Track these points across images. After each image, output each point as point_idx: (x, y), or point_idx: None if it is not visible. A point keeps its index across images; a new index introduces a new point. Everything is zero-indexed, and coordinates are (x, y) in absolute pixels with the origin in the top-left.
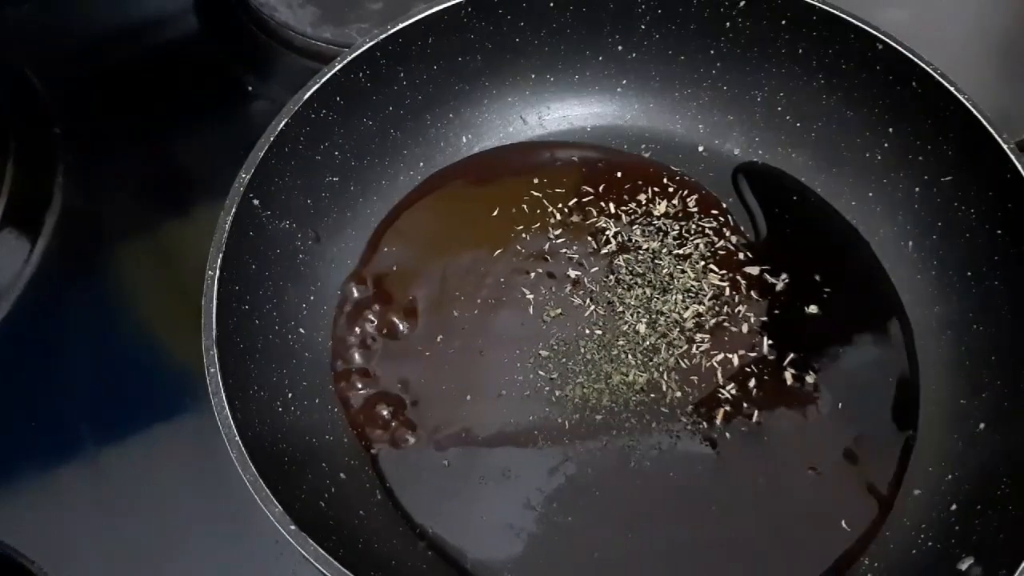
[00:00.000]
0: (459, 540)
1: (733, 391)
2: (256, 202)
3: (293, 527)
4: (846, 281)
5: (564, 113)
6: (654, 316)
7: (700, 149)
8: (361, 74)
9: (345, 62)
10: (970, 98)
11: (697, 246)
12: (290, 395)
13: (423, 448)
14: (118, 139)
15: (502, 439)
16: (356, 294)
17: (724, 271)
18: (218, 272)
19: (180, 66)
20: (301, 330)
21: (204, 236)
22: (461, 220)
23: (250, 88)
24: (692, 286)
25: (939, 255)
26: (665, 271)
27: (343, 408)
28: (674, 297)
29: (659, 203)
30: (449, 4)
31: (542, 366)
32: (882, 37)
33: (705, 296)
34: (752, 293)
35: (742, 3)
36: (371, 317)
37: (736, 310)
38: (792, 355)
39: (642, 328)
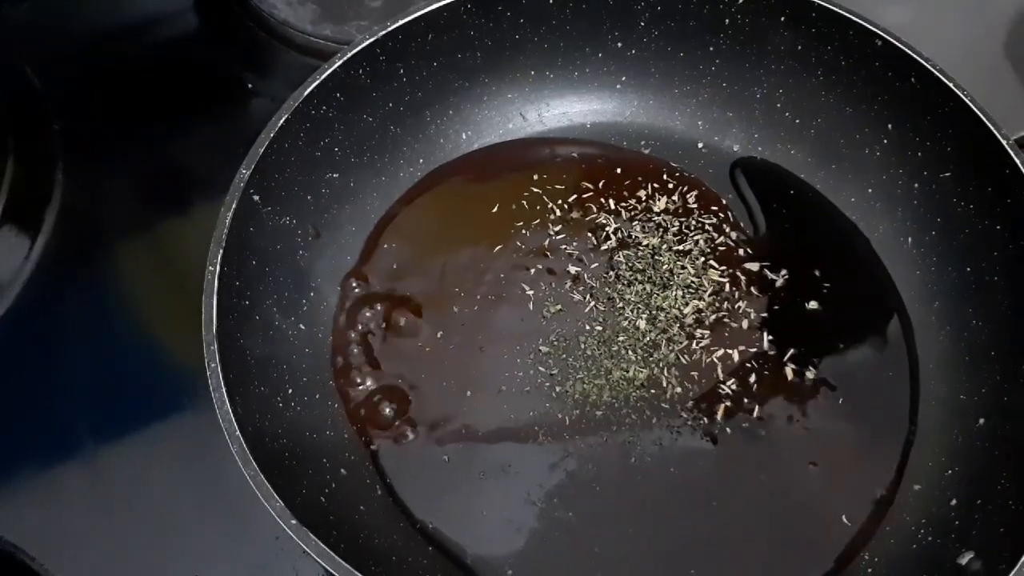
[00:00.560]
0: (459, 535)
1: (733, 387)
2: (256, 198)
3: (294, 522)
4: (846, 277)
5: (564, 110)
6: (654, 312)
7: (700, 145)
8: (361, 71)
9: (345, 58)
10: (969, 94)
11: (697, 242)
12: (290, 391)
13: (423, 444)
14: (118, 137)
15: (502, 435)
16: (356, 290)
17: (724, 267)
18: (218, 267)
19: (180, 64)
20: (301, 326)
21: (203, 234)
22: (461, 216)
23: (250, 86)
24: (692, 282)
25: (938, 251)
26: (665, 267)
27: (343, 404)
28: (674, 293)
29: (659, 199)
30: (449, 1)
31: (542, 362)
32: (881, 33)
33: (705, 292)
34: (752, 289)
35: (741, 0)
36: (371, 313)
37: (736, 306)
38: (792, 351)
39: (642, 324)
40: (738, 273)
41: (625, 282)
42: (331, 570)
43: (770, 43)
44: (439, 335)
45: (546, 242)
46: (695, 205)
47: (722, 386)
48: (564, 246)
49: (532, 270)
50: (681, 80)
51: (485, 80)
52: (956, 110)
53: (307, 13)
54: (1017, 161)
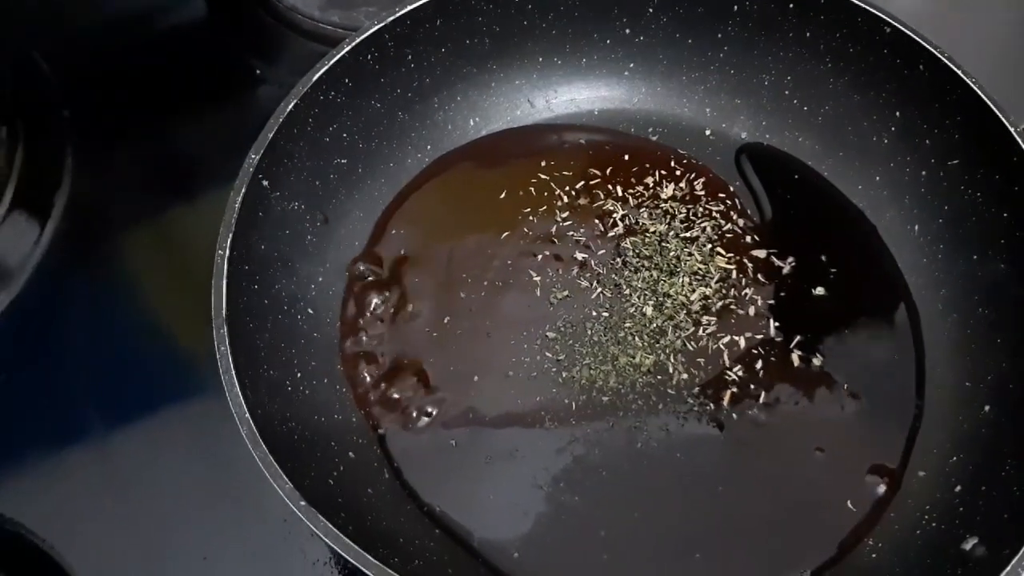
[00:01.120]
0: (466, 519)
1: (740, 373)
2: (265, 183)
3: (303, 503)
4: (852, 264)
5: (571, 96)
6: (661, 299)
7: (707, 132)
8: (369, 56)
9: (354, 44)
10: (977, 81)
11: (704, 229)
12: (299, 374)
13: (430, 428)
14: (126, 123)
15: (509, 419)
16: (364, 276)
17: (731, 254)
18: (228, 251)
19: (188, 50)
20: (310, 310)
21: (212, 219)
22: (468, 203)
23: (258, 72)
24: (699, 269)
25: (946, 238)
26: (672, 254)
27: (351, 388)
28: (681, 280)
29: (666, 186)
30: None
31: (549, 348)
32: (890, 20)
33: (712, 279)
34: (759, 276)
35: None
36: (379, 298)
37: (743, 293)
38: (799, 337)
39: (649, 310)
40: (745, 260)
41: (632, 269)
42: (339, 551)
43: (778, 30)
44: (446, 321)
45: (553, 228)
46: (702, 192)
47: (728, 372)
48: (571, 232)
49: (539, 256)
50: (689, 67)
51: (493, 66)
52: (964, 98)
53: None
54: None
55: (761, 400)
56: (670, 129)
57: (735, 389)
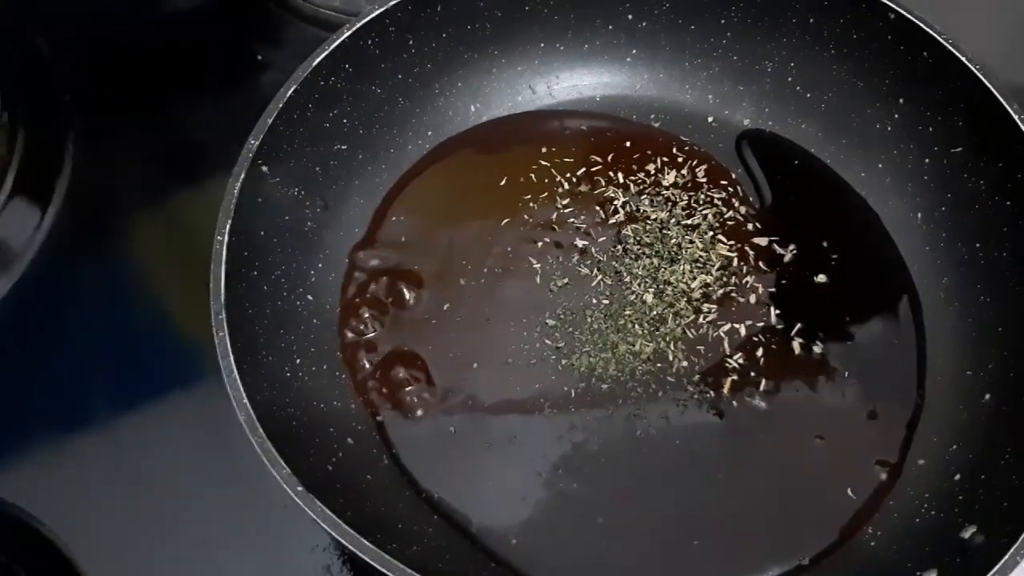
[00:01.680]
0: (465, 505)
1: (740, 361)
2: (265, 168)
3: (300, 488)
4: (855, 252)
5: (573, 82)
6: (661, 286)
7: (710, 119)
8: (370, 41)
9: (354, 29)
10: (982, 68)
11: (706, 216)
12: (298, 361)
13: (429, 414)
14: (128, 107)
15: (508, 406)
16: (364, 262)
17: (732, 242)
18: (227, 238)
19: (189, 34)
20: (309, 297)
21: (213, 205)
22: (469, 189)
23: (259, 57)
24: (700, 256)
25: (948, 226)
26: (673, 241)
27: (350, 374)
28: (682, 267)
29: (668, 173)
30: None
31: (549, 335)
32: (893, 6)
33: (713, 266)
34: (760, 264)
35: None
36: (378, 285)
37: (744, 281)
38: (800, 325)
39: (649, 298)
40: (746, 248)
41: (633, 256)
42: (337, 536)
43: (782, 16)
44: (446, 307)
45: (554, 215)
46: (704, 179)
47: (729, 360)
48: (572, 220)
49: (539, 243)
50: (692, 53)
51: (494, 52)
52: (968, 85)
53: None
54: None
55: (761, 388)
56: (672, 116)
57: (735, 377)
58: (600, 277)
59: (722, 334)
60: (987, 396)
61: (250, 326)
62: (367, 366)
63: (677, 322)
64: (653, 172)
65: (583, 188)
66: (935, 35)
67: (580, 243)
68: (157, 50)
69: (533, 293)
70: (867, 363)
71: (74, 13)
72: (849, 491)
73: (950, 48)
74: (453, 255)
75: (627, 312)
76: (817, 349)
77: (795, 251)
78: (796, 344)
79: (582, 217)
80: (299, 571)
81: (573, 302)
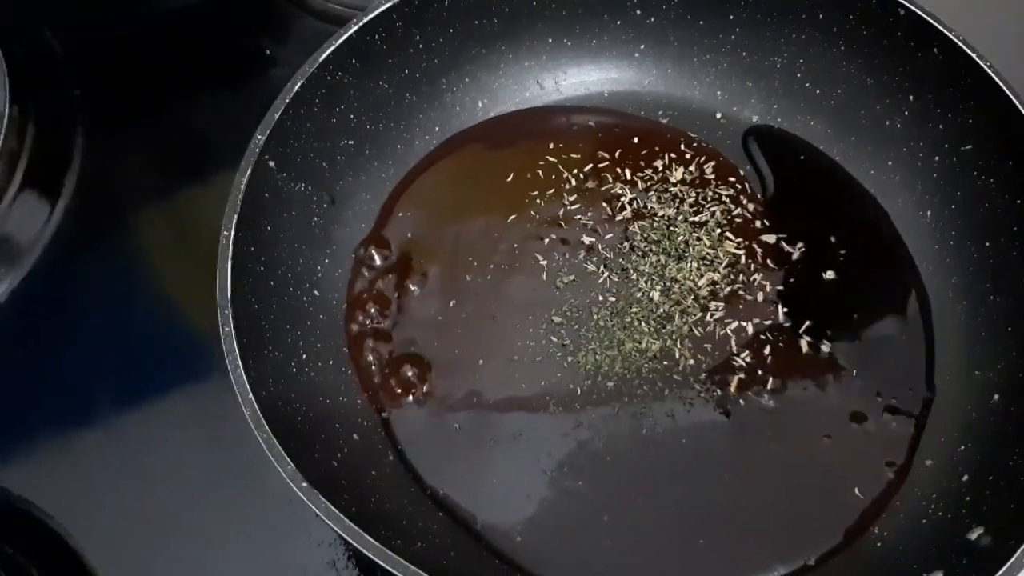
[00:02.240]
0: (469, 502)
1: (748, 359)
2: (272, 164)
3: (305, 484)
4: (863, 250)
5: (581, 78)
6: (668, 283)
7: (718, 115)
8: (377, 36)
9: (361, 24)
10: (992, 66)
11: (713, 213)
12: (304, 356)
13: (435, 411)
14: (137, 102)
15: (513, 404)
16: (370, 258)
17: (740, 239)
18: (233, 232)
19: (198, 29)
20: (316, 292)
21: (221, 199)
22: (476, 185)
23: (267, 52)
24: (707, 254)
25: (957, 225)
26: (680, 238)
27: (356, 370)
28: (689, 265)
29: (676, 169)
30: None
31: (555, 332)
32: (904, 2)
33: (720, 264)
34: (768, 261)
35: None
36: (384, 281)
37: (752, 278)
38: (808, 323)
39: (656, 295)
40: (754, 245)
41: (640, 253)
42: (341, 532)
43: (791, 12)
44: (452, 304)
45: (561, 212)
46: (712, 176)
47: (736, 358)
48: (579, 216)
49: (546, 240)
50: (700, 49)
51: (502, 47)
52: (979, 82)
53: None
54: None
55: (769, 386)
56: (680, 112)
57: (742, 375)
58: (607, 274)
59: (729, 332)
60: (996, 396)
61: (256, 321)
62: (373, 362)
63: (684, 320)
64: (661, 168)
65: (590, 184)
66: (946, 32)
67: (587, 240)
68: (166, 45)
69: (539, 290)
70: (875, 362)
71: (83, 8)
72: (856, 491)
73: (961, 45)
74: (459, 251)
75: (634, 309)
76: (825, 347)
77: (803, 249)
78: (804, 342)
79: (589, 214)
80: (305, 566)
81: (579, 299)
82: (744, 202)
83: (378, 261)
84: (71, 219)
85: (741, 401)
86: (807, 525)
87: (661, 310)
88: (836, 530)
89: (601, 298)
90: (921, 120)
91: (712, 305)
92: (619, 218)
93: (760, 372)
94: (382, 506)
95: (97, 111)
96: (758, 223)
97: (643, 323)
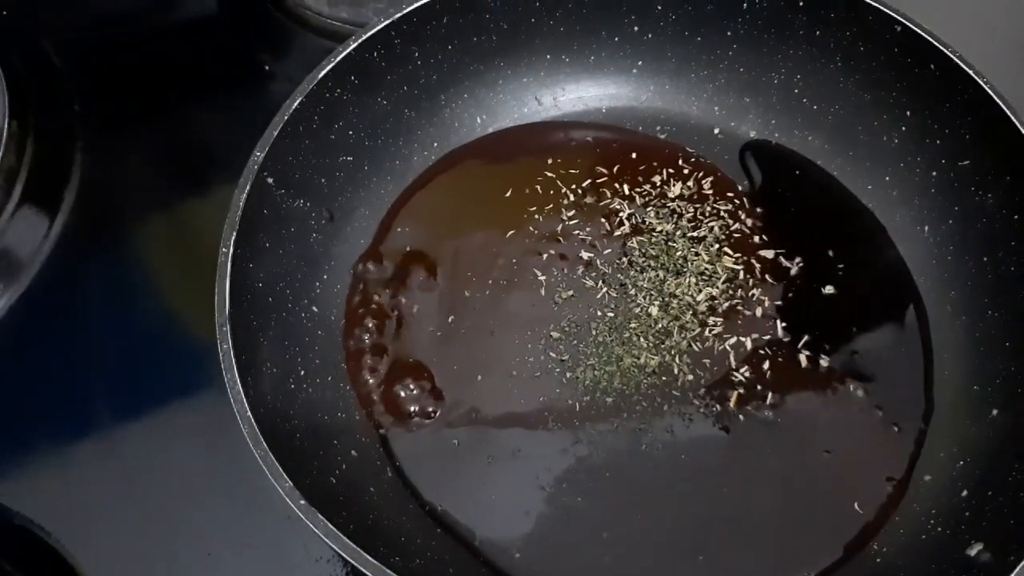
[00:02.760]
0: (468, 518)
1: (746, 374)
2: (270, 180)
3: (303, 502)
4: (861, 265)
5: (579, 94)
6: (667, 299)
7: (716, 131)
8: (376, 53)
9: (360, 41)
10: (989, 82)
11: (712, 229)
12: (302, 372)
13: (433, 427)
14: (136, 116)
15: (512, 419)
16: (369, 274)
17: (738, 254)
18: (232, 249)
19: (197, 44)
20: (314, 308)
21: (220, 213)
22: (474, 201)
23: (267, 67)
24: (706, 269)
25: (955, 239)
26: (679, 254)
27: (354, 386)
28: (687, 280)
29: (674, 185)
30: None
31: (553, 347)
32: (901, 19)
33: (719, 279)
34: (767, 277)
35: None
36: (383, 296)
37: (750, 293)
38: (806, 338)
39: (654, 311)
40: (753, 260)
41: (638, 268)
42: (339, 551)
43: (788, 28)
44: (451, 319)
45: (559, 227)
46: (710, 191)
47: (735, 374)
48: (577, 231)
49: (544, 255)
50: (698, 65)
51: (500, 64)
52: (975, 98)
53: None
54: None
55: (768, 401)
56: (678, 127)
57: (742, 390)
58: (605, 289)
59: (728, 347)
60: (995, 411)
61: (254, 338)
62: (371, 378)
63: (683, 335)
64: (659, 184)
65: (588, 200)
66: (942, 48)
67: (585, 255)
68: (165, 60)
69: (538, 305)
70: (874, 377)
71: (83, 23)
72: (856, 506)
73: (957, 61)
74: (457, 267)
75: (632, 325)
76: (824, 362)
77: (801, 264)
78: (803, 357)
79: (587, 229)
80: None
81: (578, 314)
82: (742, 217)
83: (376, 277)
84: (70, 234)
85: (740, 416)
86: (807, 540)
87: (660, 325)
88: (836, 545)
89: (600, 313)
90: (919, 135)
91: (711, 320)
92: (617, 233)
93: (759, 387)
94: (380, 523)
95: (96, 126)
96: (756, 238)
97: (642, 339)
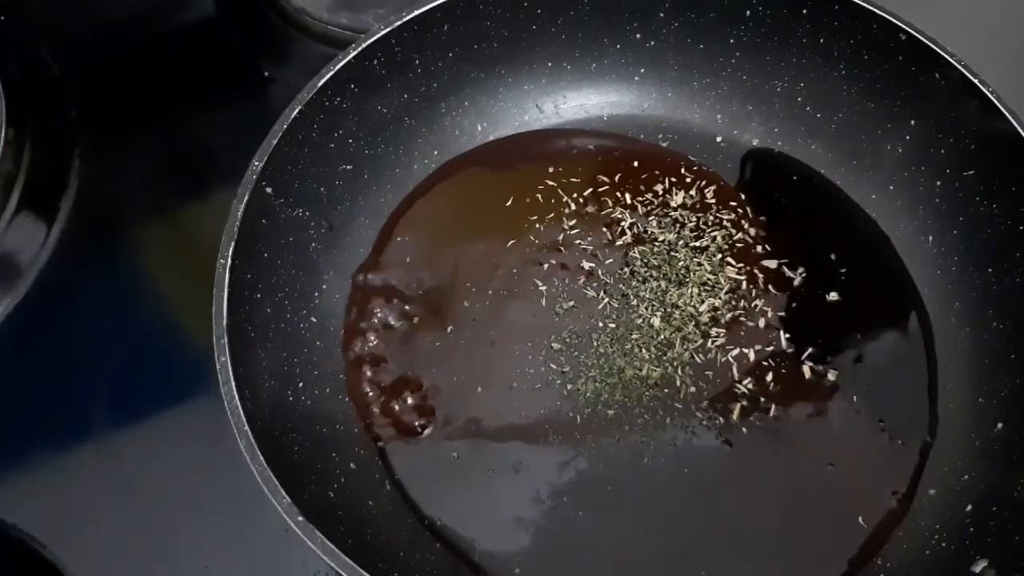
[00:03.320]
0: (467, 532)
1: (750, 386)
2: (269, 190)
3: (301, 519)
4: (865, 275)
5: (581, 102)
6: (669, 310)
7: (718, 139)
8: (376, 61)
9: (360, 49)
10: (994, 91)
11: (714, 238)
12: (301, 384)
13: (432, 440)
14: (134, 123)
15: (512, 432)
16: (368, 283)
17: (741, 264)
18: (230, 260)
19: (196, 50)
20: (313, 319)
21: (219, 220)
22: (474, 210)
23: (266, 73)
24: (708, 279)
25: (960, 251)
26: (681, 264)
27: (353, 398)
28: (690, 290)
29: (676, 194)
30: None
31: (554, 359)
32: (905, 27)
33: (722, 290)
34: (770, 287)
35: None
36: (382, 307)
37: (753, 304)
38: (810, 350)
39: (656, 322)
40: (755, 271)
41: (640, 279)
42: (338, 569)
43: (791, 36)
44: (450, 330)
45: (560, 237)
46: (713, 200)
47: (738, 385)
48: (578, 241)
49: (545, 265)
50: (700, 72)
51: (501, 71)
52: (981, 107)
53: (324, 1)
54: None
55: (771, 414)
56: (681, 135)
57: (744, 402)
58: (607, 300)
59: (731, 359)
60: (1000, 425)
61: (253, 350)
62: (370, 389)
63: (685, 346)
64: (661, 193)
65: (590, 209)
66: (947, 56)
67: (587, 265)
68: (163, 67)
69: (538, 316)
70: (878, 389)
71: (81, 30)
72: (860, 519)
73: (962, 70)
74: (458, 277)
75: (634, 336)
76: (827, 374)
77: (804, 274)
78: (806, 369)
79: (589, 238)
80: None
81: (579, 325)
82: (745, 227)
83: (376, 287)
84: (68, 240)
85: (743, 429)
86: (811, 554)
87: (662, 336)
88: (840, 559)
89: (601, 324)
90: (923, 145)
91: (713, 331)
92: (619, 243)
93: (762, 399)
94: (379, 537)
95: (94, 132)
96: (759, 248)
97: (643, 350)
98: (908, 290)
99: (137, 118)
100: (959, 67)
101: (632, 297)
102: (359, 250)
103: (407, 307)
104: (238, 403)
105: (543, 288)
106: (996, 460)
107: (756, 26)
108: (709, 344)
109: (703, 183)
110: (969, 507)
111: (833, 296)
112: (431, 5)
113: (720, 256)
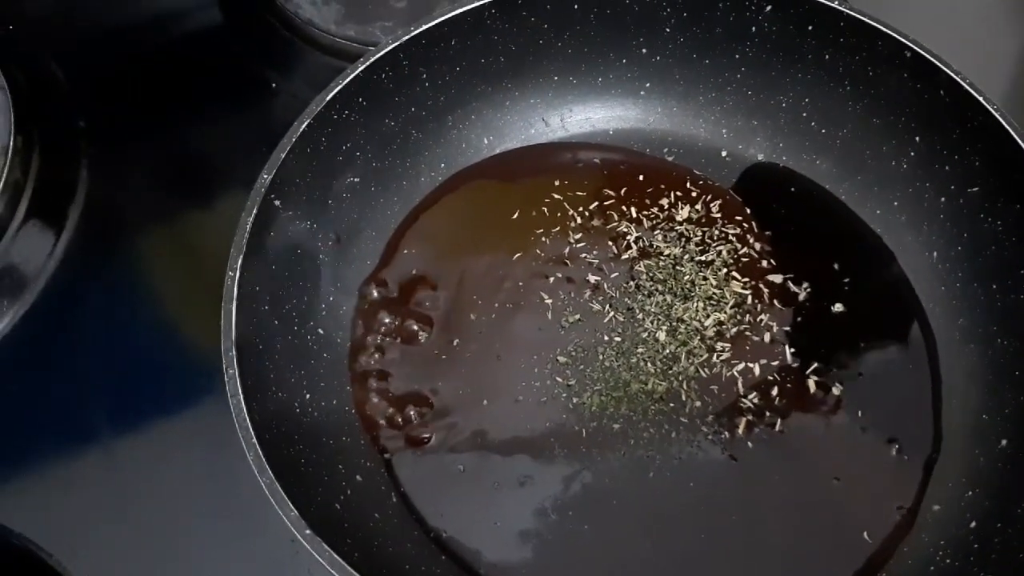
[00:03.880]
0: (473, 544)
1: (755, 400)
2: (277, 203)
3: (308, 532)
4: (869, 290)
5: (586, 116)
6: (674, 324)
7: (724, 154)
8: (384, 75)
9: (368, 63)
10: (999, 108)
11: (720, 253)
12: (308, 396)
13: (438, 452)
14: (142, 133)
15: (518, 445)
16: (375, 296)
17: (747, 279)
18: (238, 273)
19: (204, 61)
20: (320, 331)
21: (226, 230)
22: (481, 223)
23: (273, 84)
24: (714, 294)
25: (965, 267)
26: (687, 278)
27: (359, 410)
28: (695, 305)
29: (682, 208)
30: (473, 5)
31: (559, 372)
32: (910, 44)
33: (727, 304)
34: (775, 302)
35: (768, 7)
36: (389, 319)
37: (759, 319)
38: (815, 364)
39: (662, 336)
40: (761, 285)
41: (645, 292)
42: None
43: (797, 52)
44: (456, 343)
45: (566, 250)
46: (719, 214)
47: (743, 400)
48: (584, 255)
49: (551, 278)
50: (706, 87)
51: (508, 85)
52: (985, 124)
53: (331, 13)
54: None
55: (777, 428)
56: (686, 149)
57: (750, 417)
58: (612, 314)
59: (736, 373)
60: (1004, 441)
61: (260, 361)
62: (377, 402)
63: (690, 360)
64: (667, 207)
65: (596, 222)
66: (952, 74)
67: (592, 279)
68: (170, 77)
69: (544, 329)
70: (883, 404)
71: (88, 38)
72: (865, 534)
73: (967, 88)
74: (464, 290)
75: (639, 350)
76: (833, 389)
77: (809, 289)
78: (811, 383)
79: (595, 252)
80: None
81: (585, 339)
82: (751, 241)
83: (382, 299)
84: (75, 250)
85: (749, 443)
86: (816, 569)
87: (667, 351)
88: (845, 574)
89: (607, 338)
90: (928, 161)
91: (719, 346)
92: (625, 257)
93: (768, 414)
94: (385, 550)
95: (102, 141)
96: (764, 263)
97: (649, 364)
98: (913, 306)
99: (145, 128)
100: (964, 84)
101: (638, 311)
102: (366, 262)
103: (413, 320)
104: (246, 416)
105: (549, 301)
106: (1000, 477)
107: (762, 42)
108: (714, 358)
109: (708, 197)
110: (973, 523)
111: (838, 310)
112: (439, 19)
113: (725, 270)
